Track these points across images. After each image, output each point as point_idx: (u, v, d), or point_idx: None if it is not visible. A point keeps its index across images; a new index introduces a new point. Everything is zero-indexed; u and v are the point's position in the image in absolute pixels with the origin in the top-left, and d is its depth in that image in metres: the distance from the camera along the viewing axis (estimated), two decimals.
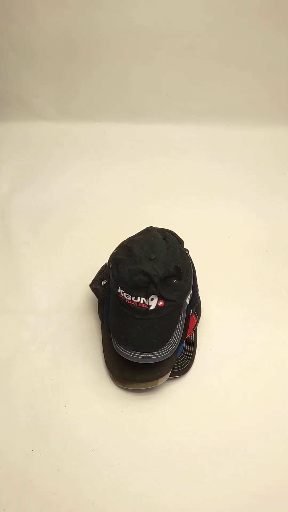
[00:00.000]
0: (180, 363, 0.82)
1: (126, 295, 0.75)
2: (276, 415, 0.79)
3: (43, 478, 0.71)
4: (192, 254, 0.85)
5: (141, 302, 0.74)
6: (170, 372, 0.79)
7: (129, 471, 0.72)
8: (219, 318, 0.93)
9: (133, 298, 0.74)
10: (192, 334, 0.86)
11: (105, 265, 0.91)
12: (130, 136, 1.40)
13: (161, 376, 0.77)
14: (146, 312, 0.74)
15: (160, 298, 0.74)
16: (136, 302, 0.74)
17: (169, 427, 0.77)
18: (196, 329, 0.89)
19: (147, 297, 0.74)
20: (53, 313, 0.93)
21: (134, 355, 0.74)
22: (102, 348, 0.86)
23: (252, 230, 1.14)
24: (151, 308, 0.74)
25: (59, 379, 0.83)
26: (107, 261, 0.86)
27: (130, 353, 0.75)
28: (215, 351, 0.88)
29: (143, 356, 0.74)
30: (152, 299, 0.74)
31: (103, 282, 0.89)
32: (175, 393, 0.81)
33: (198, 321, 0.89)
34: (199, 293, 0.88)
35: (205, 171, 1.31)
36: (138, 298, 0.74)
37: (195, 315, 0.87)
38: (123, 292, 0.75)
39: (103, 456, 0.73)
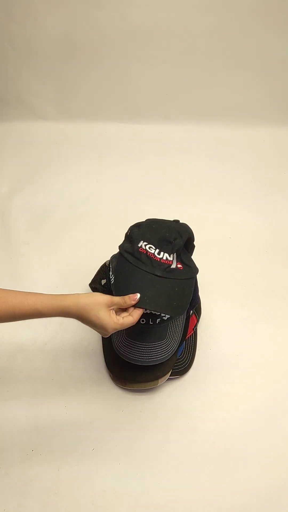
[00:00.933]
0: (180, 363, 0.82)
1: (150, 248, 0.72)
2: (276, 415, 0.79)
3: (43, 478, 0.71)
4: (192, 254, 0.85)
5: (164, 258, 0.72)
6: (170, 372, 0.79)
7: (129, 471, 0.72)
8: (219, 318, 0.93)
9: (156, 252, 0.71)
10: (192, 334, 0.86)
11: (104, 264, 0.91)
12: (130, 136, 1.40)
13: (161, 376, 0.77)
14: (168, 270, 0.71)
15: (178, 261, 0.73)
16: (158, 258, 0.72)
17: (169, 427, 0.77)
18: (196, 329, 0.89)
19: (170, 254, 0.72)
20: None
21: (134, 357, 0.74)
22: (102, 348, 0.86)
23: (252, 230, 1.14)
24: (172, 266, 0.72)
25: (59, 379, 0.83)
26: (106, 260, 0.86)
27: (130, 355, 0.74)
28: (215, 351, 0.88)
29: (143, 359, 0.74)
30: (174, 258, 0.72)
31: (103, 281, 0.89)
32: (175, 393, 0.81)
33: (198, 321, 0.89)
34: (199, 293, 0.88)
35: (205, 171, 1.31)
36: (161, 253, 0.72)
37: (195, 315, 0.87)
38: (145, 245, 0.72)
39: (103, 456, 0.73)
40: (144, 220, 0.81)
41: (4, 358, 0.86)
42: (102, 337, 0.87)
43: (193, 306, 0.84)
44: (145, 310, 0.72)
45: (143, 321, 0.73)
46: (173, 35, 1.29)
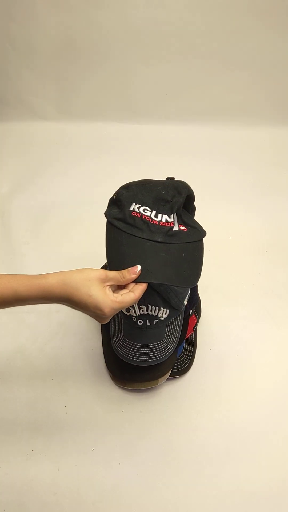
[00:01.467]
0: (180, 363, 0.82)
1: (144, 210, 0.60)
2: (276, 415, 0.79)
3: (43, 478, 0.71)
4: None
5: (163, 220, 0.61)
6: (170, 372, 0.79)
7: (129, 471, 0.72)
8: (219, 318, 0.93)
9: (153, 214, 0.60)
10: (192, 334, 0.86)
11: (104, 265, 0.91)
12: (130, 136, 1.40)
13: (161, 376, 0.77)
14: (170, 233, 0.60)
15: (180, 222, 0.63)
16: (157, 221, 0.60)
17: (169, 427, 0.77)
18: (196, 329, 0.89)
19: (170, 214, 0.61)
20: (53, 313, 0.93)
21: (132, 357, 0.73)
22: (102, 348, 0.86)
23: (252, 230, 1.14)
24: (175, 229, 0.61)
25: (59, 379, 0.83)
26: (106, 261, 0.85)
27: (128, 356, 0.74)
28: (215, 351, 0.88)
29: (141, 359, 0.73)
30: (175, 219, 0.62)
31: None
32: (175, 393, 0.81)
33: (198, 321, 0.89)
34: (199, 293, 0.88)
35: (205, 171, 1.31)
36: (159, 215, 0.60)
37: (195, 315, 0.87)
38: (139, 207, 0.60)
39: (103, 456, 0.73)
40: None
41: (4, 358, 0.86)
42: (102, 336, 0.87)
43: (193, 305, 0.84)
44: (145, 307, 0.68)
45: (140, 322, 0.72)
46: (173, 35, 1.29)
